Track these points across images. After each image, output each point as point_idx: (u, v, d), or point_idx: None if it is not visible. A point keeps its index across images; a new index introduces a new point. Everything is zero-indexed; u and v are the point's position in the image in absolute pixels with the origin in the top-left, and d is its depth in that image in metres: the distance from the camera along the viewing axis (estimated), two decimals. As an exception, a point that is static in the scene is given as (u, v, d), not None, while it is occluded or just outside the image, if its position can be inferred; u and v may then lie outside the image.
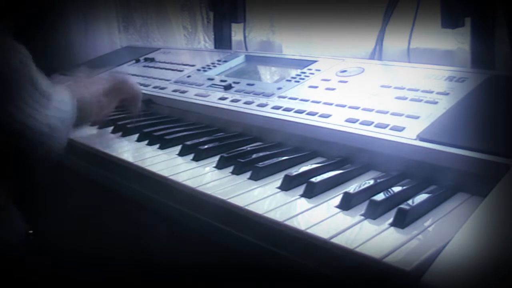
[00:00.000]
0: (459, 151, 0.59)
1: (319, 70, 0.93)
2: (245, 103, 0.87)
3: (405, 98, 0.75)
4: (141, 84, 1.10)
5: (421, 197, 0.56)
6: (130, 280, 0.87)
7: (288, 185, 0.63)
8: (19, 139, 0.64)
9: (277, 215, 0.55)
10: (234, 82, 0.97)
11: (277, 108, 0.82)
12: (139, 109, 0.93)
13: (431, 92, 0.75)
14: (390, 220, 0.52)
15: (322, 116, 0.75)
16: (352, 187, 0.59)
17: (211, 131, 0.87)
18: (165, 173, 0.70)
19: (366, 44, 1.09)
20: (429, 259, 0.44)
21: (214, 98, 0.92)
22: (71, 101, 0.75)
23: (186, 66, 1.15)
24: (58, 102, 0.71)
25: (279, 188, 0.63)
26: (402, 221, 0.51)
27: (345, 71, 0.90)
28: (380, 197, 0.56)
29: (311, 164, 0.69)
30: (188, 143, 0.78)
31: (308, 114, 0.77)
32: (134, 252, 0.84)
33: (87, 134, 0.89)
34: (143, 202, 0.73)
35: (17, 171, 0.68)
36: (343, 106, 0.77)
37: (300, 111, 0.78)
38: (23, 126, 0.63)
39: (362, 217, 0.54)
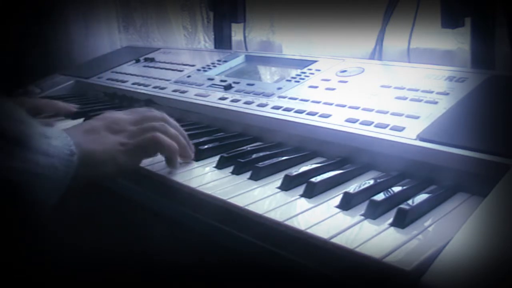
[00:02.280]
0: (459, 151, 0.59)
1: (319, 70, 0.93)
2: (245, 103, 0.87)
3: (405, 98, 0.75)
4: (141, 84, 1.10)
5: (421, 197, 0.56)
6: (130, 280, 0.87)
7: (288, 185, 0.63)
8: None
9: (277, 215, 0.55)
10: (234, 82, 0.97)
11: (277, 108, 0.82)
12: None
13: (431, 92, 0.75)
14: (390, 220, 0.52)
15: (322, 116, 0.75)
16: (352, 187, 0.59)
17: (211, 131, 0.87)
18: (164, 173, 0.70)
19: (366, 44, 1.09)
20: (429, 259, 0.44)
21: (214, 98, 0.92)
22: (68, 154, 0.57)
23: (186, 66, 1.15)
24: (38, 154, 0.53)
25: (279, 188, 0.63)
26: (402, 221, 0.51)
27: (345, 71, 0.90)
28: (380, 197, 0.56)
29: (311, 164, 0.69)
30: (188, 143, 0.78)
31: (308, 114, 0.77)
32: (134, 252, 0.84)
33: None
34: (143, 202, 0.73)
35: None
36: (343, 106, 0.77)
37: (300, 111, 0.78)
38: None
39: (362, 217, 0.54)
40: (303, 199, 0.60)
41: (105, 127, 0.68)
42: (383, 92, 0.78)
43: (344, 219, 0.54)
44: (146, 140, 0.67)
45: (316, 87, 0.86)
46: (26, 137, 0.53)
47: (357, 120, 0.71)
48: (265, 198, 0.60)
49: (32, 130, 0.55)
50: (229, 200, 0.60)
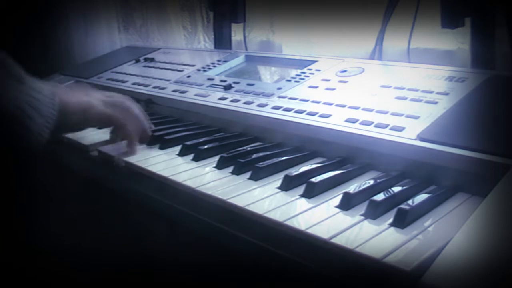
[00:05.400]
0: (459, 151, 0.59)
1: (319, 70, 0.93)
2: (245, 103, 0.87)
3: (405, 98, 0.75)
4: (141, 84, 1.10)
5: (421, 197, 0.56)
6: (130, 280, 0.87)
7: (288, 185, 0.63)
8: None
9: (277, 215, 0.55)
10: (234, 82, 0.97)
11: (277, 108, 0.82)
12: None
13: (431, 92, 0.75)
14: (390, 220, 0.52)
15: (322, 116, 0.75)
16: (352, 187, 0.59)
17: (211, 131, 0.87)
18: (165, 173, 0.70)
19: (366, 44, 1.09)
20: (429, 259, 0.44)
21: (214, 98, 0.92)
22: (51, 96, 0.67)
23: (186, 66, 1.15)
24: (33, 90, 0.64)
25: (279, 188, 0.63)
26: (402, 221, 0.51)
27: (345, 71, 0.90)
28: (380, 197, 0.56)
29: (311, 164, 0.69)
30: (188, 143, 0.78)
31: (308, 114, 0.77)
32: (134, 252, 0.84)
33: (86, 133, 0.89)
34: (143, 202, 0.73)
35: None
36: (343, 106, 0.77)
37: (300, 111, 0.78)
38: None
39: (362, 217, 0.54)
40: (303, 199, 0.60)
41: (80, 90, 0.79)
42: (383, 92, 0.78)
43: (344, 219, 0.54)
44: (117, 112, 0.77)
45: (316, 87, 0.86)
46: (25, 77, 0.65)
47: (357, 120, 0.71)
48: (265, 198, 0.60)
49: (26, 74, 0.66)
50: (229, 200, 0.60)
